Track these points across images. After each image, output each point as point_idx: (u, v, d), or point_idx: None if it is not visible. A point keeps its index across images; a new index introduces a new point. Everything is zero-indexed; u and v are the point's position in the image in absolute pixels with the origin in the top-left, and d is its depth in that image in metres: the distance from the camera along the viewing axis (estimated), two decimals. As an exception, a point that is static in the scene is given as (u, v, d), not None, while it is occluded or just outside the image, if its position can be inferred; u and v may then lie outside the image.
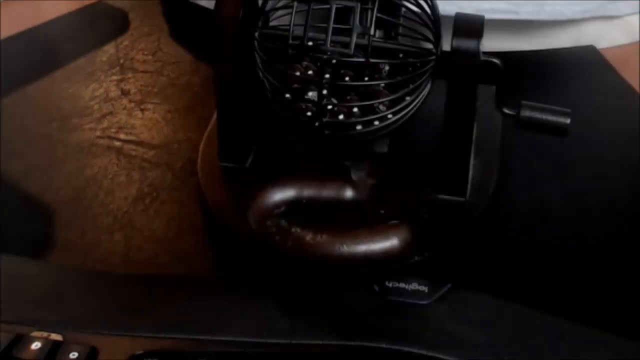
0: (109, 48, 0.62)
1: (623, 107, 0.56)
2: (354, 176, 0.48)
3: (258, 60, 0.46)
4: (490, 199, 0.48)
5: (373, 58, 0.44)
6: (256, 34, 0.46)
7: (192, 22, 0.63)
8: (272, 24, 0.47)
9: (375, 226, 0.46)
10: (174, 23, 0.64)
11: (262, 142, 0.51)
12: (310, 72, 0.49)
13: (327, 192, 0.48)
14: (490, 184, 0.49)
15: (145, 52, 0.62)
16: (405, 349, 0.40)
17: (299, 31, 0.44)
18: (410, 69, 0.48)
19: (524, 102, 0.46)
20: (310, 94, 0.47)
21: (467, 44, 0.44)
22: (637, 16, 0.61)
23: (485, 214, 0.48)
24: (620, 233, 0.49)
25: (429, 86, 0.46)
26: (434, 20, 0.45)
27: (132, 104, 0.57)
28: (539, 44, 0.61)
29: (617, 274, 0.47)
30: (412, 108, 0.46)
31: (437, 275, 0.44)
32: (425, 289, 0.43)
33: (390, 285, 0.43)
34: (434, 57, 0.45)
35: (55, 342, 0.39)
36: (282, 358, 0.40)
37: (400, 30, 0.49)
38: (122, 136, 0.55)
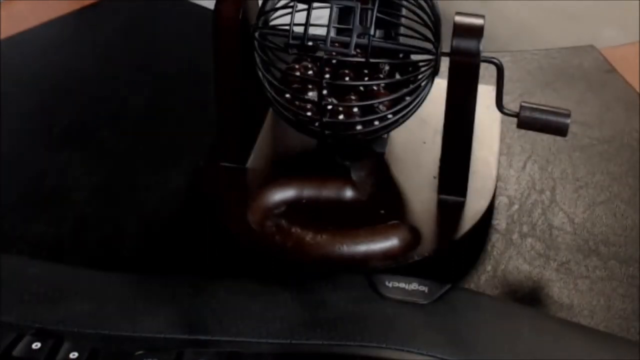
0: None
1: (623, 107, 0.56)
2: (354, 176, 0.48)
3: (258, 60, 0.46)
4: (490, 199, 0.48)
5: (373, 58, 0.44)
6: (256, 34, 0.46)
7: (192, 22, 0.63)
8: (272, 23, 0.47)
9: (375, 226, 0.46)
10: (174, 23, 0.64)
11: (262, 142, 0.51)
12: (310, 72, 0.49)
13: (327, 192, 0.48)
14: (490, 184, 0.49)
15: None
16: (406, 349, 0.40)
17: (299, 31, 0.44)
18: (410, 68, 0.48)
19: (524, 102, 0.46)
20: (310, 94, 0.47)
21: (467, 44, 0.44)
22: (637, 16, 0.61)
23: (485, 214, 0.48)
24: (628, 229, 0.49)
25: (429, 86, 0.46)
26: (434, 20, 0.45)
27: (132, 104, 0.58)
28: (539, 44, 0.61)
29: (618, 273, 0.47)
30: (412, 108, 0.46)
31: (437, 275, 0.44)
32: (425, 289, 0.43)
33: (390, 285, 0.43)
34: (434, 57, 0.45)
35: (55, 342, 0.39)
36: (281, 358, 0.40)
37: (400, 30, 0.49)
38: (121, 136, 0.55)
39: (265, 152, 0.51)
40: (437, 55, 0.45)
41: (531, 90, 0.58)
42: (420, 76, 0.46)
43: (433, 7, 0.45)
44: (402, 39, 0.49)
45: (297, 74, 0.48)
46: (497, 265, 0.47)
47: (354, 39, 0.43)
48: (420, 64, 0.46)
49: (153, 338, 0.40)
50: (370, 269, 0.45)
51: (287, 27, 0.44)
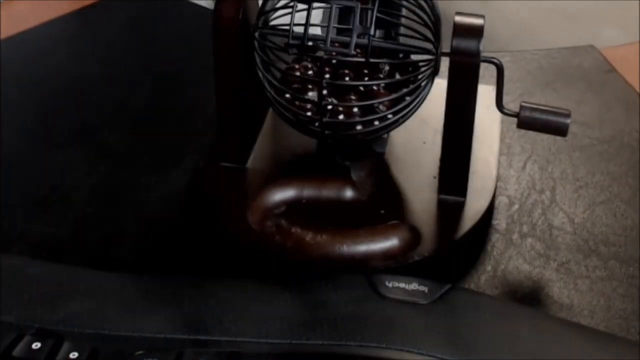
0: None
1: (623, 107, 0.56)
2: (354, 176, 0.48)
3: (258, 60, 0.46)
4: (490, 199, 0.48)
5: (373, 58, 0.44)
6: (256, 34, 0.46)
7: (192, 22, 0.63)
8: (272, 23, 0.47)
9: (375, 226, 0.46)
10: (174, 23, 0.64)
11: (262, 142, 0.51)
12: (310, 72, 0.49)
13: (327, 192, 0.48)
14: (490, 184, 0.49)
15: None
16: (406, 349, 0.40)
17: (299, 31, 0.44)
18: (410, 68, 0.48)
19: (524, 102, 0.46)
20: (310, 94, 0.47)
21: (467, 44, 0.44)
22: (637, 16, 0.61)
23: (485, 214, 0.48)
24: (628, 229, 0.49)
25: (429, 86, 0.46)
26: (434, 20, 0.45)
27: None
28: (539, 44, 0.61)
29: (618, 273, 0.47)
30: (412, 108, 0.46)
31: (437, 275, 0.44)
32: (425, 289, 0.43)
33: (390, 285, 0.43)
34: (434, 57, 0.45)
35: (55, 342, 0.39)
36: (281, 358, 0.40)
37: (400, 30, 0.49)
38: (121, 136, 0.55)
39: (265, 152, 0.51)
40: (437, 55, 0.45)
41: (531, 90, 0.58)
42: (420, 76, 0.46)
43: (433, 7, 0.45)
44: (402, 39, 0.49)
45: (297, 74, 0.48)
46: (497, 265, 0.47)
47: (354, 39, 0.43)
48: (420, 64, 0.46)
49: (153, 338, 0.40)
50: (370, 269, 0.45)
51: (287, 27, 0.44)
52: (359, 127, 0.46)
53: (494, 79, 0.45)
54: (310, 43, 0.44)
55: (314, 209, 0.47)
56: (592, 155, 0.53)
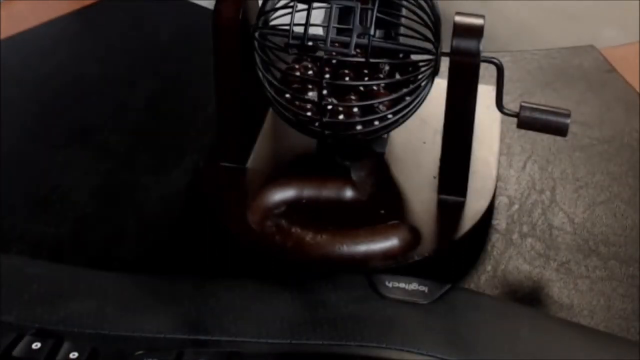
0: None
1: (623, 107, 0.56)
2: (354, 176, 0.48)
3: (258, 60, 0.46)
4: (490, 199, 0.48)
5: (373, 58, 0.44)
6: (256, 34, 0.46)
7: (192, 22, 0.63)
8: (272, 23, 0.47)
9: (375, 226, 0.46)
10: (174, 23, 0.64)
11: (262, 142, 0.51)
12: (310, 72, 0.49)
13: (327, 192, 0.48)
14: (490, 184, 0.49)
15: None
16: (406, 349, 0.40)
17: (299, 31, 0.44)
18: (410, 68, 0.48)
19: (524, 102, 0.46)
20: (310, 94, 0.47)
21: (467, 44, 0.44)
22: (637, 16, 0.61)
23: (485, 214, 0.48)
24: (628, 229, 0.49)
25: (429, 86, 0.46)
26: (434, 20, 0.45)
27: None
28: (539, 44, 0.61)
29: (618, 273, 0.47)
30: (412, 108, 0.46)
31: (437, 275, 0.44)
32: (425, 289, 0.43)
33: (390, 285, 0.43)
34: (434, 57, 0.45)
35: (55, 342, 0.39)
36: (281, 358, 0.40)
37: (400, 30, 0.49)
38: (121, 136, 0.55)
39: (265, 152, 0.51)
40: (437, 55, 0.45)
41: (531, 90, 0.58)
42: (420, 76, 0.46)
43: (433, 7, 0.45)
44: (402, 39, 0.49)
45: (297, 74, 0.48)
46: (497, 265, 0.47)
47: (354, 39, 0.43)
48: (420, 64, 0.46)
49: (153, 338, 0.40)
50: (370, 269, 0.45)
51: (287, 27, 0.44)
52: (359, 127, 0.46)
53: (494, 79, 0.45)
54: (310, 43, 0.44)
55: (314, 209, 0.47)
56: (592, 155, 0.53)
